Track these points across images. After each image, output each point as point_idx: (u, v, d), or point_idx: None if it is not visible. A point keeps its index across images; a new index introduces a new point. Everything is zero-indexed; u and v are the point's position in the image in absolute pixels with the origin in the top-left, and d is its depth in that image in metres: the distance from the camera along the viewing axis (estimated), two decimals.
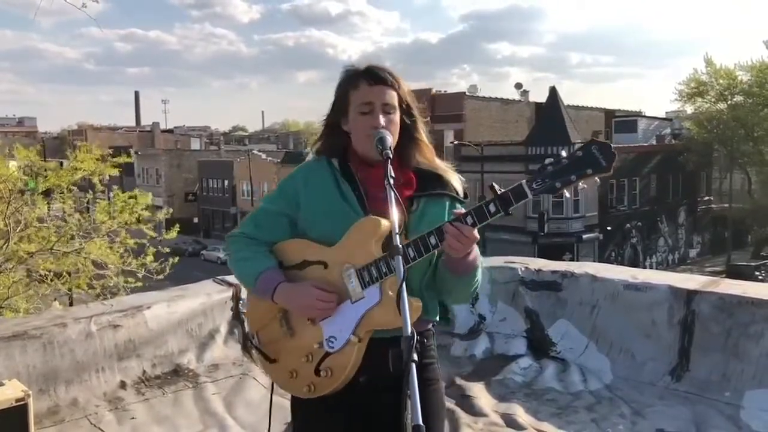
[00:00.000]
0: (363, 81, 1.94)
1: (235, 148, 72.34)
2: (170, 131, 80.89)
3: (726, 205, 42.40)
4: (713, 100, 41.40)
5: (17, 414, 3.29)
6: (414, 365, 1.48)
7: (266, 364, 2.02)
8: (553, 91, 35.87)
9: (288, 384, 1.96)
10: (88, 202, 12.66)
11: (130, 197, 11.84)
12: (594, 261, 29.89)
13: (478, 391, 4.18)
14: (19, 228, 10.40)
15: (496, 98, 42.23)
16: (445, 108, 38.68)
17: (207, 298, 4.58)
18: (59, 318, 4.13)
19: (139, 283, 10.97)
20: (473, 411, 3.93)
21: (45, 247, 10.39)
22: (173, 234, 12.40)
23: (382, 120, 1.91)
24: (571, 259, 29.01)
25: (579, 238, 34.14)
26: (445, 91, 42.33)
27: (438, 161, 2.02)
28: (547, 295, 4.84)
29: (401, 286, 1.63)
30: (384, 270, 1.82)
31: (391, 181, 1.79)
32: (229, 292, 4.67)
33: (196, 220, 53.99)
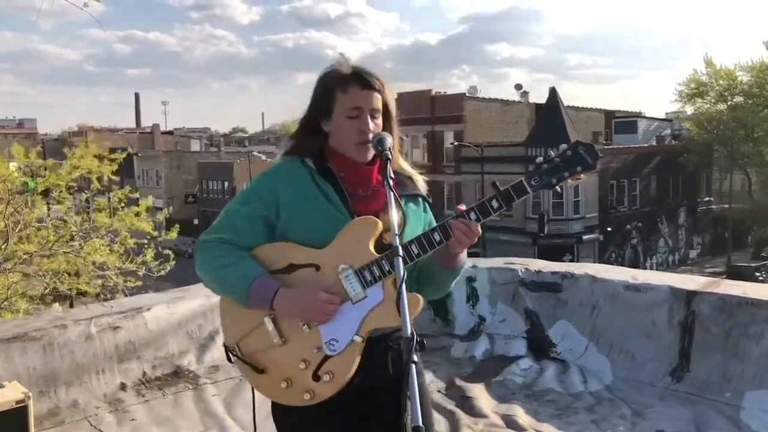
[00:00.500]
0: (354, 85, 1.92)
1: (235, 149, 72.29)
2: (170, 133, 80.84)
3: (726, 205, 42.41)
4: (713, 100, 41.45)
5: (17, 416, 3.29)
6: (414, 366, 1.48)
7: (253, 376, 1.90)
8: (553, 92, 35.87)
9: (281, 394, 1.87)
10: (87, 200, 12.67)
11: (130, 192, 11.87)
12: (594, 262, 29.93)
13: (479, 392, 4.18)
14: (18, 228, 10.40)
15: (496, 99, 42.18)
16: (445, 109, 38.67)
17: (207, 300, 4.58)
18: (59, 320, 4.13)
19: (139, 282, 10.99)
20: (473, 412, 3.93)
21: (44, 248, 10.39)
22: (173, 235, 12.39)
23: (372, 125, 1.91)
24: (571, 260, 28.99)
25: (579, 239, 34.14)
26: (444, 93, 42.26)
27: (404, 163, 2.05)
28: (547, 296, 4.84)
29: (401, 287, 1.63)
30: (387, 269, 1.81)
31: (391, 182, 1.79)
32: None
33: (196, 221, 53.98)
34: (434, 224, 1.96)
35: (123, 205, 11.65)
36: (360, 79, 1.93)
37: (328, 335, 1.84)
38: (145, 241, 11.55)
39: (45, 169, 11.83)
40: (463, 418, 3.86)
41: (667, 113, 52.81)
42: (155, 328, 4.31)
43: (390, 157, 1.85)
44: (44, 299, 11.29)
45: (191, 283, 5.16)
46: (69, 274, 10.96)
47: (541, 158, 1.89)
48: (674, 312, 4.19)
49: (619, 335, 4.42)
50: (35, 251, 10.31)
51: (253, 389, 1.99)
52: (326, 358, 1.83)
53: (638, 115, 48.09)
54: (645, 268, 32.27)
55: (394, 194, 1.77)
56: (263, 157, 51.52)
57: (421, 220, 2.00)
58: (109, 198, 12.30)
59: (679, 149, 41.10)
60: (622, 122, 43.89)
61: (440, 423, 3.76)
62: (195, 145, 72.61)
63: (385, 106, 1.97)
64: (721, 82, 40.57)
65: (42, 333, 3.89)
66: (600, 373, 4.38)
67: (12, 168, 11.14)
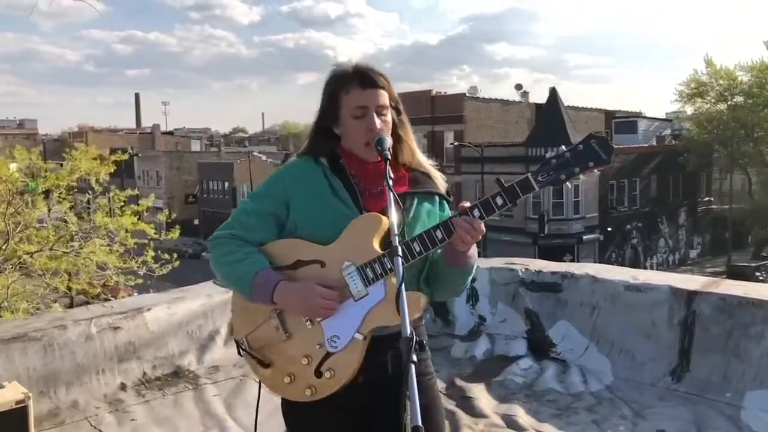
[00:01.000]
0: (355, 85, 1.92)
1: (235, 149, 72.26)
2: (170, 133, 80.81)
3: (726, 205, 42.42)
4: (713, 100, 41.43)
5: (17, 416, 3.29)
6: (413, 366, 1.48)
7: (259, 369, 1.94)
8: (553, 92, 35.88)
9: (285, 389, 1.89)
10: (88, 202, 12.69)
11: (129, 196, 11.86)
12: (594, 262, 29.93)
13: (479, 392, 4.18)
14: (18, 229, 10.41)
15: (496, 99, 42.18)
16: (445, 109, 38.68)
17: (207, 300, 4.59)
18: (59, 320, 4.13)
19: (140, 281, 11.00)
20: (474, 412, 3.93)
21: (45, 248, 10.40)
22: (174, 235, 12.39)
23: (378, 123, 1.91)
24: (572, 260, 29.00)
25: (579, 239, 34.14)
26: (445, 93, 42.28)
27: (423, 159, 2.04)
28: (547, 296, 4.84)
29: (400, 287, 1.63)
30: (388, 266, 1.81)
31: (391, 183, 1.79)
32: (230, 294, 4.66)
33: (196, 221, 54.00)
34: (447, 213, 1.96)
35: (122, 205, 11.64)
36: (361, 78, 1.93)
37: (330, 332, 1.85)
38: (146, 241, 11.54)
39: (45, 170, 11.85)
40: (464, 418, 3.86)
41: (667, 113, 52.85)
42: (155, 328, 4.31)
43: (390, 157, 1.85)
44: (44, 300, 11.29)
45: (191, 282, 5.18)
46: (69, 274, 10.97)
47: (552, 152, 1.84)
48: (674, 312, 4.19)
49: (619, 335, 4.42)
50: (35, 251, 10.32)
51: (260, 386, 2.01)
52: (328, 354, 1.84)
53: (638, 115, 48.10)
54: (645, 268, 32.26)
55: (394, 195, 1.77)
56: (263, 157, 51.54)
57: (435, 218, 1.95)
58: (109, 198, 12.29)
59: (679, 149, 41.10)
60: (622, 122, 43.89)
61: None
62: (195, 146, 72.63)
63: (394, 101, 1.97)
64: (721, 82, 40.56)
65: (42, 333, 3.89)
66: (600, 373, 4.38)
67: (13, 168, 11.16)
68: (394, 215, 1.75)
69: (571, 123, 33.94)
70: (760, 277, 31.07)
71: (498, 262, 5.29)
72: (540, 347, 4.76)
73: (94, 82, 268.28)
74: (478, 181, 31.88)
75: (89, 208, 12.82)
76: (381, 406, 1.87)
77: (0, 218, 10.13)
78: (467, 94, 41.01)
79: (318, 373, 1.84)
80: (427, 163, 2.04)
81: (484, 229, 1.81)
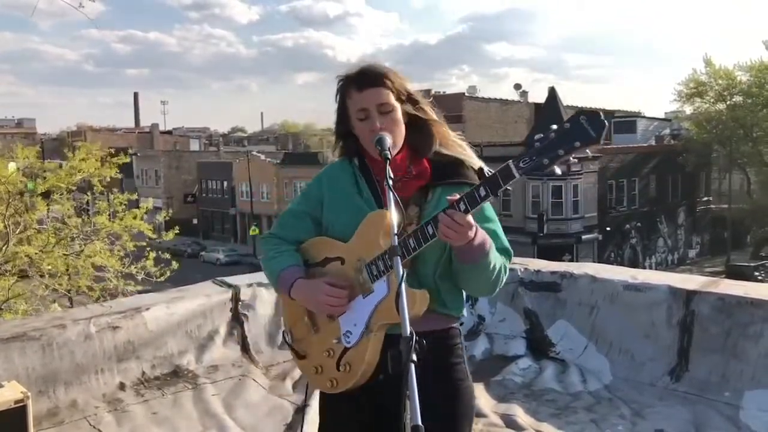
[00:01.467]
0: (353, 88, 1.95)
1: (234, 149, 72.15)
2: (169, 132, 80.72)
3: (725, 205, 42.43)
4: (712, 100, 41.46)
5: (16, 416, 3.29)
6: (413, 366, 1.47)
7: (298, 360, 2.07)
8: (552, 92, 35.91)
9: (315, 379, 2.01)
10: (87, 203, 12.67)
11: (129, 197, 11.86)
12: (593, 262, 29.93)
13: (478, 392, 4.18)
14: (18, 230, 10.40)
15: (496, 99, 42.26)
16: (444, 109, 37.17)
17: (206, 300, 4.58)
18: (58, 319, 4.12)
19: (139, 287, 10.98)
20: None
21: (45, 250, 10.39)
22: (172, 236, 12.40)
23: (378, 123, 1.91)
24: (571, 260, 29.01)
25: (578, 238, 34.16)
26: (444, 92, 42.49)
27: (456, 139, 2.00)
28: (546, 296, 4.84)
29: (400, 286, 1.63)
30: (389, 263, 1.82)
31: (390, 182, 1.80)
32: (229, 294, 4.67)
33: (195, 221, 53.95)
34: (487, 213, 1.92)
35: (123, 208, 11.64)
36: (357, 81, 1.95)
37: (345, 327, 1.92)
38: (145, 244, 11.54)
39: (45, 170, 11.83)
40: None
41: (666, 113, 52.90)
42: (154, 327, 4.31)
43: (389, 157, 1.85)
44: (44, 301, 11.28)
45: (190, 282, 5.18)
46: (69, 276, 10.96)
47: (540, 134, 1.68)
48: (673, 312, 4.19)
49: (618, 335, 4.42)
50: (35, 253, 10.31)
51: (307, 385, 2.20)
52: (346, 349, 1.91)
53: (637, 114, 48.12)
54: (644, 268, 32.27)
55: (394, 195, 1.77)
56: (262, 157, 51.53)
57: None
58: (110, 201, 12.30)
59: (678, 149, 41.13)
60: (622, 122, 43.89)
61: None
62: (194, 145, 72.54)
63: (400, 93, 1.95)
64: (720, 81, 40.60)
65: (41, 333, 3.89)
66: (599, 372, 4.38)
67: (12, 169, 11.13)
68: (394, 215, 1.76)
69: None
70: (759, 277, 31.09)
71: None
72: (539, 347, 4.76)
73: (93, 82, 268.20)
74: None
75: (89, 210, 12.81)
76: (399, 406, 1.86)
77: None
78: (466, 94, 41.10)
79: (338, 367, 1.92)
80: (459, 147, 1.99)
81: (470, 222, 1.73)
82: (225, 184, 54.28)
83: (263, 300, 4.73)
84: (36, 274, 10.52)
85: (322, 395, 2.06)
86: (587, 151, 1.71)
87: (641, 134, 42.68)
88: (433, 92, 40.71)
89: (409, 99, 1.97)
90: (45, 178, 11.54)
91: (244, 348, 4.62)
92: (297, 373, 4.27)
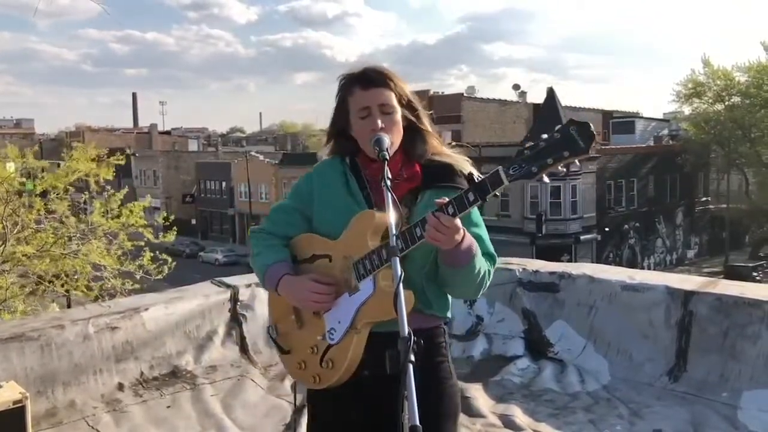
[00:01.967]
0: (357, 86, 1.96)
1: (232, 149, 72.09)
2: (168, 133, 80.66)
3: (724, 205, 42.47)
4: (711, 101, 41.50)
5: (15, 416, 3.29)
6: (411, 366, 1.48)
7: (280, 355, 2.08)
8: (550, 92, 35.91)
9: (298, 375, 2.02)
10: (84, 203, 12.66)
11: (125, 197, 11.85)
12: (592, 262, 29.95)
13: (476, 392, 4.18)
14: (16, 230, 10.39)
15: (494, 99, 42.28)
16: (443, 109, 38.70)
17: (205, 300, 4.58)
18: (57, 320, 4.12)
19: (137, 285, 10.98)
20: (471, 412, 3.93)
21: (42, 250, 10.38)
22: (170, 237, 12.39)
23: (379, 122, 1.92)
24: (569, 260, 29.03)
25: (577, 239, 34.17)
26: (442, 93, 42.48)
27: (447, 150, 2.04)
28: (544, 296, 4.84)
29: (398, 286, 1.63)
30: (376, 262, 1.83)
31: (388, 183, 1.81)
32: (227, 294, 4.67)
33: (193, 221, 53.93)
34: (473, 217, 1.94)
35: (119, 206, 11.63)
36: (362, 79, 1.96)
37: (329, 324, 1.93)
38: (143, 243, 11.54)
39: (42, 170, 11.83)
40: (461, 418, 3.84)
41: (664, 113, 52.92)
42: (153, 328, 4.30)
43: (387, 157, 1.86)
44: (41, 295, 11.27)
45: (189, 282, 5.18)
46: (67, 276, 10.96)
47: (531, 143, 1.70)
48: (672, 312, 4.19)
49: (616, 335, 4.42)
50: (33, 253, 10.30)
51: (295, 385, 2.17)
52: (329, 346, 1.92)
53: (636, 115, 48.15)
54: (642, 268, 32.31)
55: (392, 194, 1.78)
56: (261, 157, 51.50)
57: None
58: (106, 200, 12.29)
59: (677, 149, 41.17)
60: (620, 122, 43.95)
61: None
62: (192, 145, 72.42)
63: (401, 97, 1.98)
64: (718, 82, 40.64)
65: (39, 333, 3.89)
66: (597, 373, 4.38)
67: (10, 169, 11.13)
68: (392, 215, 1.76)
69: None
70: (757, 277, 31.15)
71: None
72: (537, 347, 4.76)
73: (91, 82, 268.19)
74: None
75: (86, 209, 12.80)
76: (391, 398, 1.87)
77: None
78: (465, 94, 41.12)
79: (322, 363, 1.93)
80: (451, 154, 2.02)
81: (458, 225, 1.73)
82: (223, 184, 54.24)
83: (262, 300, 4.73)
84: (35, 275, 10.51)
85: (309, 393, 2.07)
86: (576, 161, 1.68)
87: (640, 135, 42.72)
88: (431, 92, 40.76)
89: (408, 105, 2.00)
90: (42, 178, 11.55)
91: (243, 348, 4.62)
92: None
